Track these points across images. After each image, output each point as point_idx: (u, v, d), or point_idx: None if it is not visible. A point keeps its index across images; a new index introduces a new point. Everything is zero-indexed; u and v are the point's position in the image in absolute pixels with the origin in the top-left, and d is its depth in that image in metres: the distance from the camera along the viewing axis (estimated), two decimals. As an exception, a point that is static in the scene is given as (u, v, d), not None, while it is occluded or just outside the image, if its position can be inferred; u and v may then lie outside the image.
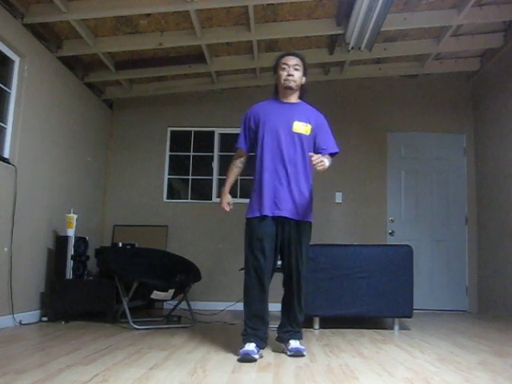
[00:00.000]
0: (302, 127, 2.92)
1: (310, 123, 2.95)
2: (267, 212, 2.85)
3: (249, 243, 2.88)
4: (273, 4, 4.41)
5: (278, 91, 3.04)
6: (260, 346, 2.81)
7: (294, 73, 2.93)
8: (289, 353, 2.84)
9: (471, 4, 4.53)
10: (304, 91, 3.06)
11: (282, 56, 3.02)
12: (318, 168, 2.77)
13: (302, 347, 2.87)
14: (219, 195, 3.15)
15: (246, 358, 2.64)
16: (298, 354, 2.80)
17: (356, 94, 6.32)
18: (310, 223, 3.01)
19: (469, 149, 6.20)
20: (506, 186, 5.30)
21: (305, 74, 3.01)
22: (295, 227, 2.90)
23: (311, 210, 3.00)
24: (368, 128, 6.25)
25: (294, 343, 2.88)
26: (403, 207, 6.16)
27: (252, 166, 3.02)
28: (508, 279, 5.14)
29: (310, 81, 6.21)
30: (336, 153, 3.04)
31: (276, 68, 3.02)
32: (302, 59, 3.01)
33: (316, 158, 2.75)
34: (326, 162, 2.84)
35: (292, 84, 2.94)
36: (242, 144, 3.07)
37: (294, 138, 2.91)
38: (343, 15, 4.57)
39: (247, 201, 3.03)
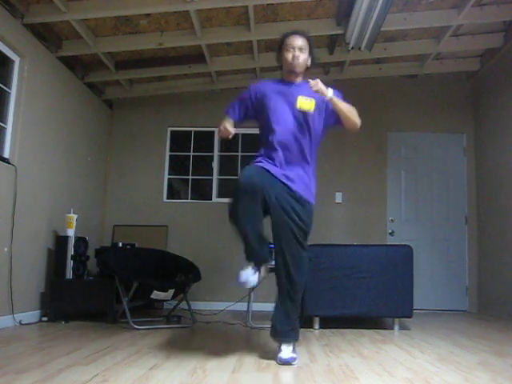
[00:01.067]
0: (305, 103, 2.77)
1: (314, 98, 2.79)
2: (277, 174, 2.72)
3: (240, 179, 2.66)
4: (273, 4, 4.41)
5: (281, 69, 2.92)
6: (258, 265, 2.72)
7: (299, 55, 2.79)
8: (278, 361, 2.63)
9: (471, 4, 4.53)
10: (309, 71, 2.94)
11: (287, 35, 2.86)
12: (315, 88, 2.67)
13: (293, 356, 2.64)
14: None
15: (243, 285, 2.66)
16: (286, 364, 2.60)
17: (356, 94, 6.29)
18: (311, 203, 2.86)
19: (469, 149, 6.21)
20: (506, 186, 5.29)
21: (311, 53, 2.87)
22: (297, 200, 2.75)
23: (314, 190, 2.89)
24: (368, 128, 6.23)
25: (285, 351, 2.66)
26: (403, 207, 6.16)
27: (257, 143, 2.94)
28: (508, 279, 5.14)
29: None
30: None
31: (280, 47, 2.87)
32: (308, 38, 2.85)
33: (315, 82, 2.67)
34: (330, 90, 2.73)
35: (297, 69, 2.83)
36: (230, 113, 2.96)
37: (298, 115, 2.78)
38: (343, 15, 4.57)
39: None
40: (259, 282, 2.77)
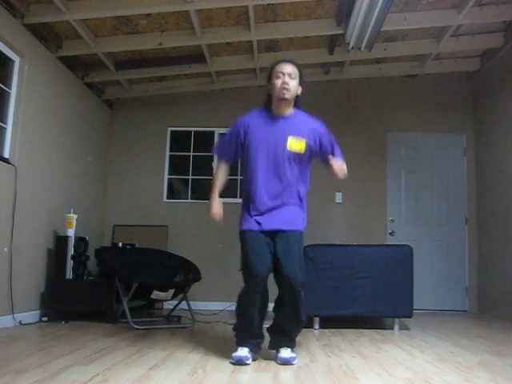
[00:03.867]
0: (296, 144, 2.75)
1: (304, 137, 2.77)
2: (258, 227, 2.72)
3: (246, 254, 2.71)
4: (273, 4, 4.40)
5: (270, 101, 2.83)
6: (254, 351, 2.71)
7: (289, 81, 2.73)
8: (278, 361, 2.66)
9: (471, 4, 4.53)
10: (299, 102, 2.86)
11: (277, 63, 2.81)
12: (341, 176, 2.76)
13: (293, 355, 2.67)
14: (219, 195, 2.98)
15: (238, 363, 2.57)
16: (286, 363, 2.63)
17: (356, 94, 6.32)
18: (301, 232, 2.82)
19: (469, 149, 6.21)
20: (506, 186, 5.29)
21: (301, 83, 2.81)
22: (286, 237, 2.73)
23: (303, 220, 2.85)
24: (368, 128, 6.25)
25: (284, 352, 2.68)
26: (403, 207, 6.16)
27: (243, 178, 2.91)
28: (508, 279, 5.14)
29: (310, 81, 6.21)
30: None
31: (270, 76, 2.81)
32: (298, 67, 2.80)
33: (338, 166, 2.75)
34: (344, 167, 2.80)
35: (287, 95, 2.74)
36: (225, 158, 2.93)
37: (288, 155, 2.75)
38: (343, 15, 4.57)
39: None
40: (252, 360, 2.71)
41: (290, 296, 2.68)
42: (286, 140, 2.75)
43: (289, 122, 2.81)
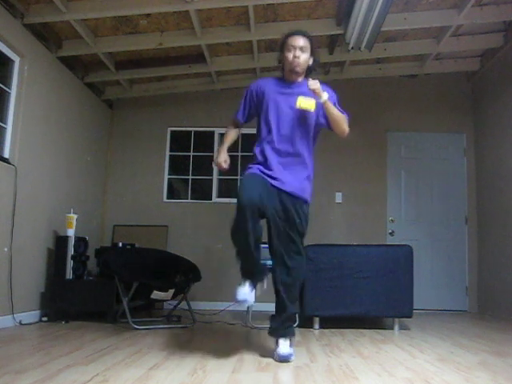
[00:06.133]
0: (306, 102, 2.76)
1: (315, 98, 2.78)
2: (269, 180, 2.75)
3: (240, 187, 2.71)
4: (273, 4, 4.40)
5: (283, 69, 2.93)
6: (255, 284, 2.73)
7: (300, 55, 2.82)
8: (276, 358, 2.70)
9: (471, 4, 4.53)
10: (310, 71, 2.96)
11: (289, 35, 2.87)
12: (311, 87, 2.69)
13: (291, 352, 2.72)
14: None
15: (241, 303, 2.66)
16: (284, 360, 2.67)
17: (356, 94, 6.32)
18: (308, 202, 2.87)
19: (469, 149, 6.20)
20: (506, 186, 5.29)
21: (312, 53, 2.90)
22: (293, 202, 2.78)
23: (310, 190, 2.90)
24: (368, 128, 6.24)
25: (282, 346, 2.73)
26: (403, 207, 6.16)
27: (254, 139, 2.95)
28: (508, 279, 5.14)
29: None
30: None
31: (282, 47, 2.89)
32: (310, 38, 2.88)
33: (314, 81, 2.69)
34: (325, 93, 2.74)
35: (298, 69, 2.84)
36: (239, 115, 2.99)
37: (298, 114, 2.79)
38: (343, 15, 4.57)
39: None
40: (256, 299, 2.76)
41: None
42: (295, 99, 2.78)
43: (300, 86, 2.87)
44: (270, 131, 2.83)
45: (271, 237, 2.83)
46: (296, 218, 2.80)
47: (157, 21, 4.59)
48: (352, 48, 5.01)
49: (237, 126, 3.05)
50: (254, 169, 2.81)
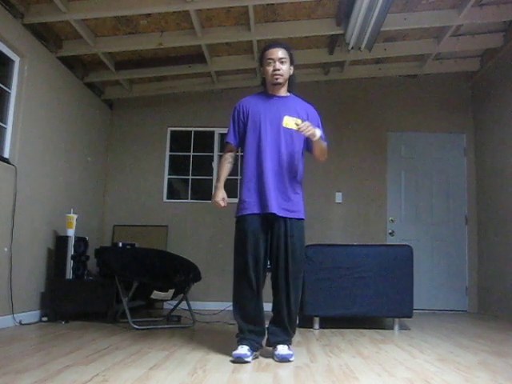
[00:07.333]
0: (292, 122, 2.79)
1: (300, 118, 2.82)
2: (259, 210, 2.75)
3: (240, 242, 2.76)
4: (273, 4, 4.41)
5: (265, 84, 2.93)
6: (254, 349, 2.72)
7: (280, 67, 2.81)
8: (275, 358, 2.71)
9: (471, 4, 4.53)
10: (292, 82, 2.94)
11: (266, 48, 2.87)
12: (307, 134, 2.68)
13: (290, 352, 2.73)
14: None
15: (238, 361, 2.59)
16: (284, 361, 2.67)
17: (356, 94, 6.32)
18: (303, 220, 2.87)
19: (469, 149, 6.20)
20: (506, 186, 5.29)
21: (292, 63, 2.88)
22: (285, 225, 2.77)
23: (302, 207, 2.88)
24: (368, 128, 6.25)
25: (281, 348, 2.74)
26: (403, 207, 6.16)
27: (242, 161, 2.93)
28: (508, 279, 5.14)
29: (310, 81, 6.21)
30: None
31: (261, 61, 2.90)
32: (287, 49, 2.87)
33: (304, 124, 2.67)
34: (318, 131, 2.74)
35: (280, 80, 2.83)
36: (231, 139, 2.96)
37: (284, 133, 2.80)
38: (343, 15, 4.57)
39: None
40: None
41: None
42: (281, 117, 2.82)
43: (285, 101, 2.90)
44: (257, 152, 2.81)
45: (272, 255, 2.85)
46: (295, 242, 2.82)
47: (157, 21, 4.59)
48: (352, 48, 5.01)
49: (231, 150, 2.99)
50: (248, 209, 2.78)
